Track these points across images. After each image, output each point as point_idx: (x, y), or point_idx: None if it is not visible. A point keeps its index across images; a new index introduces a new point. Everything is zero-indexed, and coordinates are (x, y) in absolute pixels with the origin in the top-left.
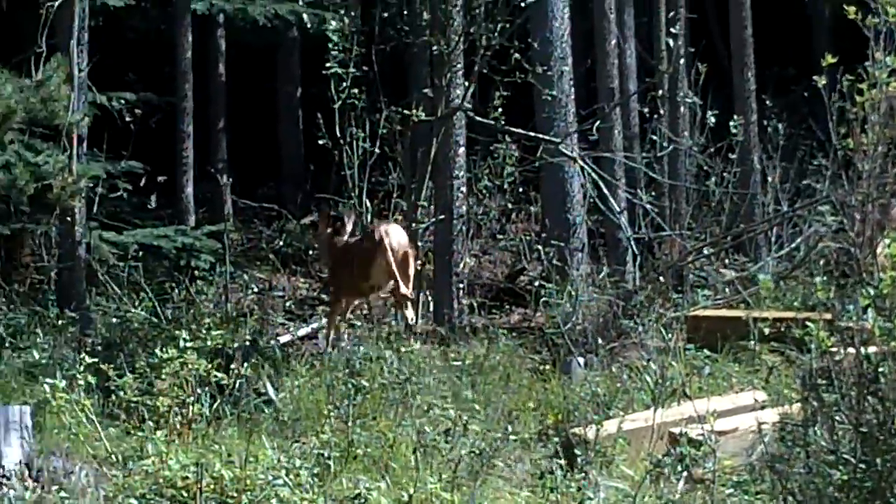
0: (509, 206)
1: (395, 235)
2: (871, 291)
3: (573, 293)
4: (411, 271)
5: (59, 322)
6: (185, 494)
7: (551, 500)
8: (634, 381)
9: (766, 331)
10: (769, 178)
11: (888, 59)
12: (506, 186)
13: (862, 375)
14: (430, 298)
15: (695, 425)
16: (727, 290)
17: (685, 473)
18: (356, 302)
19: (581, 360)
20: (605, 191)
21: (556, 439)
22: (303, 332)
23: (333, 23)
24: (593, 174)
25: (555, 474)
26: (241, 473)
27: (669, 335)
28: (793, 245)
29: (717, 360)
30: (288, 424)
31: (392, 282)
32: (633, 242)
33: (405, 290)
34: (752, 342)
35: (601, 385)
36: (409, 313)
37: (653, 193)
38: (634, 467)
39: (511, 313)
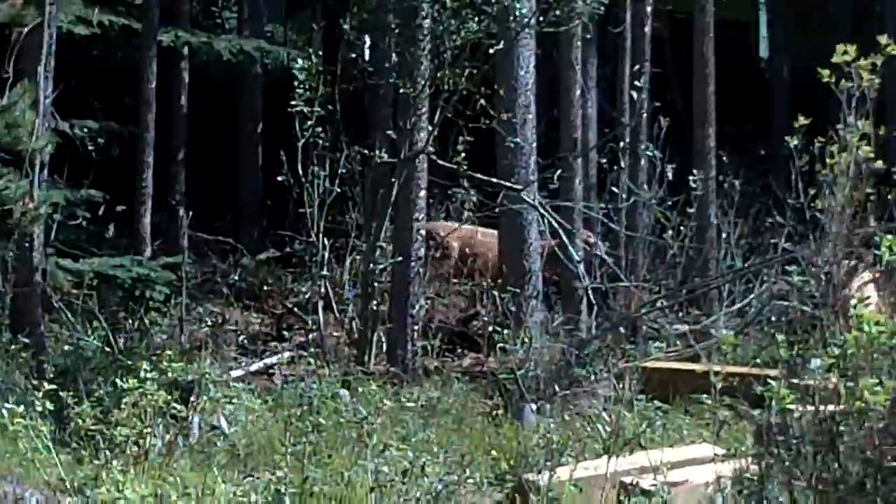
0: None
1: None
2: (836, 351)
3: (527, 339)
4: None
5: (12, 347)
6: None
7: None
8: (587, 429)
9: (720, 385)
10: (723, 234)
11: (859, 124)
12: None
13: (820, 434)
14: (383, 339)
15: (646, 476)
16: (678, 343)
17: None
18: None
19: (533, 406)
20: (565, 239)
21: (510, 485)
22: (255, 366)
23: (300, 61)
24: (553, 222)
25: None
26: None
27: (621, 385)
28: (745, 301)
29: (668, 412)
30: (241, 458)
31: None
32: (590, 292)
33: None
34: (706, 395)
35: (553, 432)
36: None
37: (608, 244)
38: None
39: (463, 357)
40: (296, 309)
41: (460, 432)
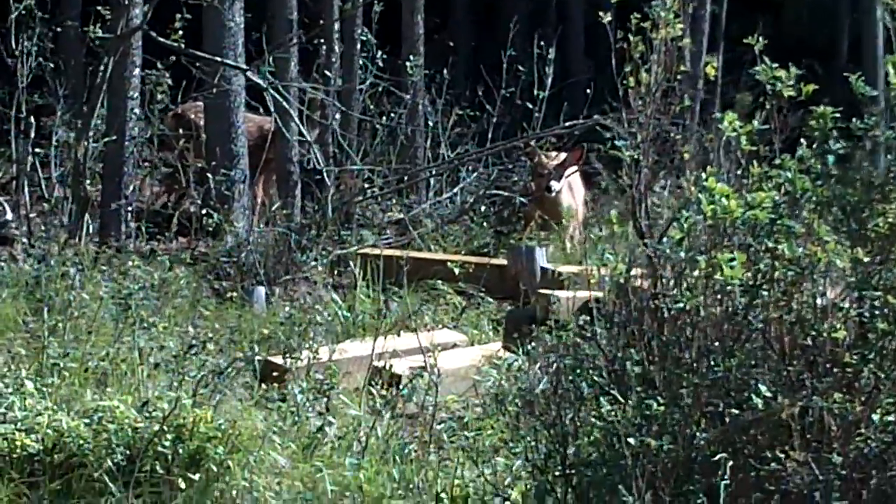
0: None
1: None
2: (686, 225)
3: (237, 224)
4: None
5: None
6: None
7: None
8: (321, 314)
9: (457, 271)
10: (430, 122)
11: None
12: (156, 114)
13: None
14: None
15: (395, 360)
16: (388, 231)
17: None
18: None
19: (262, 289)
20: (297, 122)
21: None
22: None
23: None
24: (284, 103)
25: (296, 397)
26: None
27: (337, 272)
28: (455, 189)
29: (403, 298)
30: None
31: None
32: (325, 175)
33: None
34: (441, 282)
35: (296, 314)
36: None
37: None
38: (348, 397)
39: (173, 241)
40: None
41: (196, 314)
